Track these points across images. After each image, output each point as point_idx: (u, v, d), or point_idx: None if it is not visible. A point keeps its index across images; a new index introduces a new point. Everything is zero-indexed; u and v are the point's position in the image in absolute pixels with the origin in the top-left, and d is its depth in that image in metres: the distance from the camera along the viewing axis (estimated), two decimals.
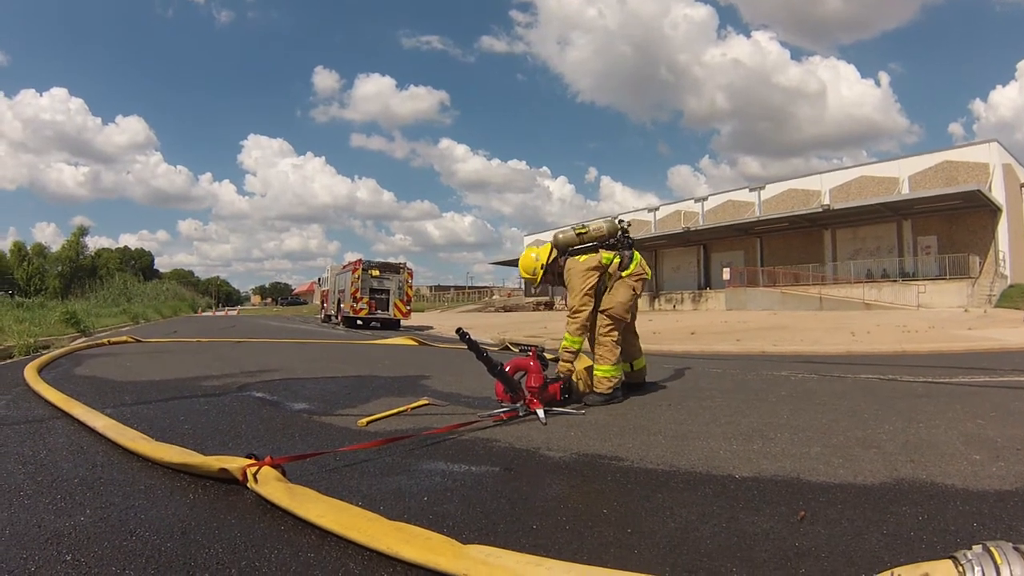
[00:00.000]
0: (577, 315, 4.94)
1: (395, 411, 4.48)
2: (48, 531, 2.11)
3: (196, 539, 2.05)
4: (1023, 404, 4.75)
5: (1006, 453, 3.18)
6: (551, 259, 5.28)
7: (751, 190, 40.30)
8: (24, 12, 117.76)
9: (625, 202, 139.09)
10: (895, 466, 2.95)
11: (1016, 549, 1.48)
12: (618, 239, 5.17)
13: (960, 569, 1.50)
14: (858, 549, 1.96)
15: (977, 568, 1.47)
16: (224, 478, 2.60)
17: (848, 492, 2.57)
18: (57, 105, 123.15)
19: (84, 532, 2.10)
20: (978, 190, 26.26)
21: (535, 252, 5.40)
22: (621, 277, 5.06)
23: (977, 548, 1.53)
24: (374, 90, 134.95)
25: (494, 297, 60.69)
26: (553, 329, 16.65)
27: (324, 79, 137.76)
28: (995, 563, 1.46)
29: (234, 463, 2.55)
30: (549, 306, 46.24)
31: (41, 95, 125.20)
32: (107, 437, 3.45)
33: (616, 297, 5.03)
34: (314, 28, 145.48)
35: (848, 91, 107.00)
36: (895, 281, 29.69)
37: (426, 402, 4.83)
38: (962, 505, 2.39)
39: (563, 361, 4.86)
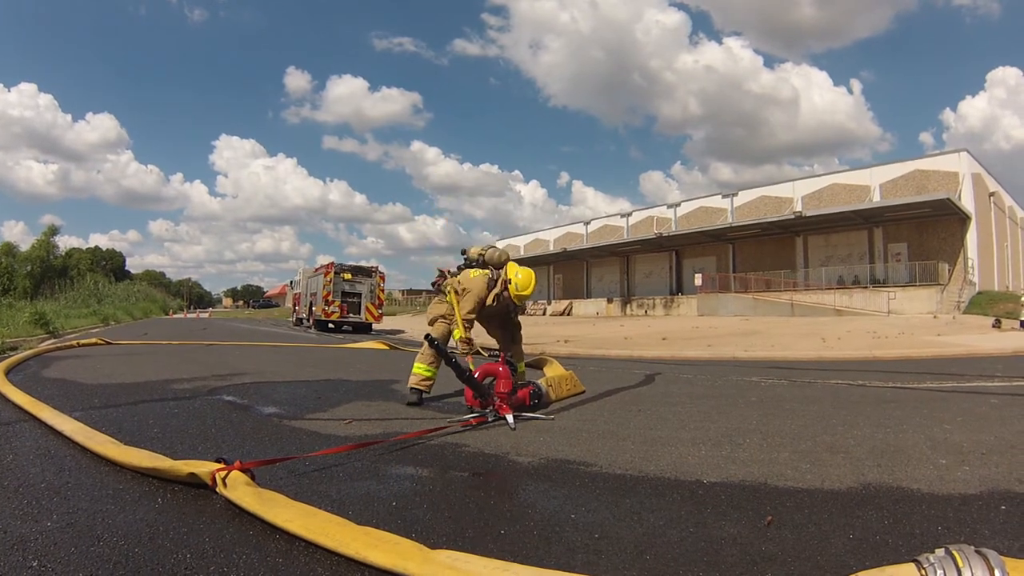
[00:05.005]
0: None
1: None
2: (14, 537, 2.06)
3: (164, 544, 2.02)
4: (989, 409, 4.86)
5: (971, 457, 3.25)
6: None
7: (724, 196, 40.68)
8: None
9: (597, 207, 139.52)
10: (862, 471, 3.00)
11: (978, 552, 1.51)
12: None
13: (923, 572, 1.53)
14: (824, 553, 1.98)
15: (939, 571, 1.50)
16: (193, 483, 2.56)
17: (815, 497, 2.61)
18: (26, 101, 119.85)
19: (51, 538, 2.06)
20: (948, 199, 26.77)
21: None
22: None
23: (940, 551, 1.55)
24: (346, 91, 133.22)
25: None
26: (525, 334, 16.63)
27: (296, 80, 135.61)
28: (957, 566, 1.49)
29: (203, 467, 2.52)
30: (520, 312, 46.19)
31: (9, 90, 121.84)
32: (75, 441, 3.38)
33: None
34: (286, 28, 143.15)
35: (820, 98, 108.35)
36: (866, 288, 30.15)
37: None
38: (927, 509, 2.44)
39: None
